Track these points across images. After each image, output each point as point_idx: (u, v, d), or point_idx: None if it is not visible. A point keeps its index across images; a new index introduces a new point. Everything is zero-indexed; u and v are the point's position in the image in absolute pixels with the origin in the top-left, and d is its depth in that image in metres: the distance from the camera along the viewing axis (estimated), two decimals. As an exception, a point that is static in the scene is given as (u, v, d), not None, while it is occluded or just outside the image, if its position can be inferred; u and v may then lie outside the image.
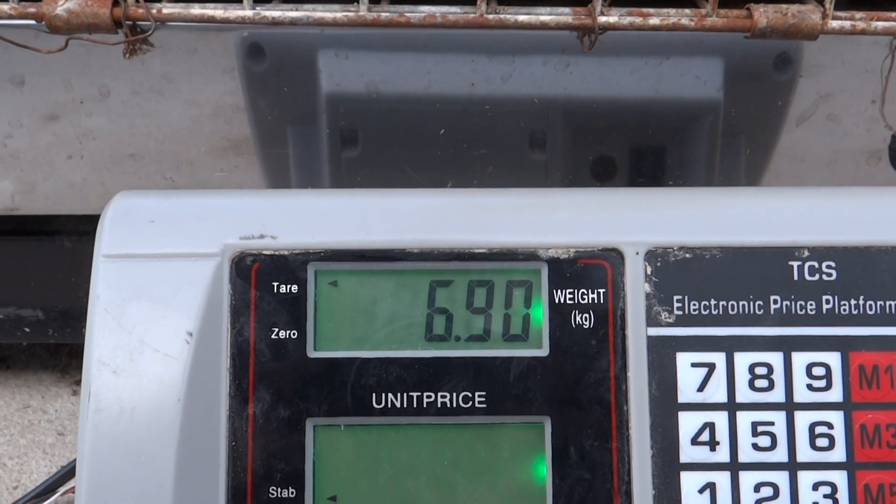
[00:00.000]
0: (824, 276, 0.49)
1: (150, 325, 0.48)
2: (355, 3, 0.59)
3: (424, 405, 0.48)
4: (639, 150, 0.74)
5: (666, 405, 0.48)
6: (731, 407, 0.48)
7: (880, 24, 0.60)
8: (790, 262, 0.49)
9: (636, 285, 0.49)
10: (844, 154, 0.73)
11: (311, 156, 0.73)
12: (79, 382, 0.91)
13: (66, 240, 0.82)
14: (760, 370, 0.48)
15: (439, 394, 0.48)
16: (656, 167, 0.74)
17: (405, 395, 0.48)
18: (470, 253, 0.49)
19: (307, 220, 0.50)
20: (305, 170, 0.74)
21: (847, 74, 0.70)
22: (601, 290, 0.49)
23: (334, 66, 0.69)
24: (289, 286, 0.49)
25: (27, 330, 0.86)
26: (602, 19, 0.60)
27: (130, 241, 0.49)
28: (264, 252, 0.49)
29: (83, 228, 0.81)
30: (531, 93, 0.70)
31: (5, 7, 0.59)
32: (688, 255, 0.49)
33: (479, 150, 0.72)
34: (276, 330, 0.49)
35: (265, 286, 0.49)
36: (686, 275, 0.49)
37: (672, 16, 0.60)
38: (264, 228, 0.49)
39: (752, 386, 0.48)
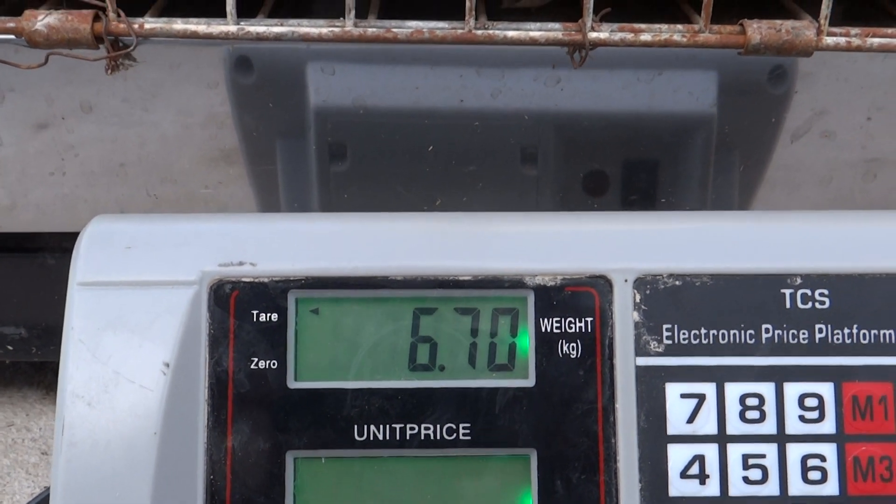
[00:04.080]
0: (817, 305, 0.48)
1: (126, 355, 0.47)
2: (341, 19, 0.58)
3: (408, 437, 0.47)
4: (632, 165, 0.73)
5: (655, 437, 0.47)
6: (722, 439, 0.47)
7: (876, 41, 0.59)
8: (782, 290, 0.48)
9: (625, 314, 0.48)
10: (839, 170, 0.72)
11: (300, 171, 0.72)
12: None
13: (49, 257, 0.80)
14: (751, 401, 0.47)
15: (423, 426, 0.47)
16: (650, 182, 0.73)
17: (388, 426, 0.47)
18: (455, 280, 0.48)
19: (288, 247, 0.48)
20: (294, 185, 0.73)
21: (842, 90, 0.68)
22: (589, 319, 0.48)
23: (321, 80, 0.67)
24: (269, 315, 0.48)
25: (10, 348, 0.85)
26: (592, 35, 0.58)
27: (106, 268, 0.48)
28: (244, 279, 0.48)
29: (66, 245, 0.80)
30: (522, 108, 0.68)
31: (-17, 23, 0.58)
32: (677, 283, 0.48)
33: (469, 166, 0.71)
34: (256, 360, 0.47)
35: (244, 315, 0.48)
36: (676, 303, 0.48)
37: (664, 32, 0.59)
38: (244, 255, 0.48)
39: (742, 417, 0.47)
